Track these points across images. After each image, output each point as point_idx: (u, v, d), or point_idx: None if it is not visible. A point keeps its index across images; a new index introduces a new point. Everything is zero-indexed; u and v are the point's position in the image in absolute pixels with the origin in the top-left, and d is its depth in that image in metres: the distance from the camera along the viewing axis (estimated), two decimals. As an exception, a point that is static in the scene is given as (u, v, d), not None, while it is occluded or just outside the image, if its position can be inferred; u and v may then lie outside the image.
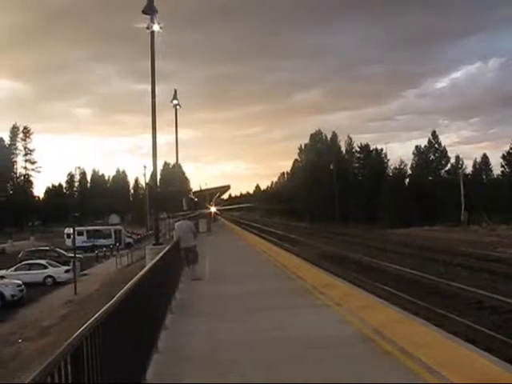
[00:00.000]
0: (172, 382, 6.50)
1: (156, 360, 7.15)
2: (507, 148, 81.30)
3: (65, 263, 41.77)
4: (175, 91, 37.77)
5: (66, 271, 38.41)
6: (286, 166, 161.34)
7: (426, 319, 10.70)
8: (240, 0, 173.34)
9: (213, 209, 58.85)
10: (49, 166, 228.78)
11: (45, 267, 38.86)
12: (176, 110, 38.22)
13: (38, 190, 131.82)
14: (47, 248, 53.29)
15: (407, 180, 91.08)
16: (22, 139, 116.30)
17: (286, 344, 7.98)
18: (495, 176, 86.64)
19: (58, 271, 38.87)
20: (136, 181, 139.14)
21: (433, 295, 18.72)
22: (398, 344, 7.47)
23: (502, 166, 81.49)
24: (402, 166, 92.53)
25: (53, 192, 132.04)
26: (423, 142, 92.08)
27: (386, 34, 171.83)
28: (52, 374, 3.06)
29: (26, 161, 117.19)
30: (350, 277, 21.69)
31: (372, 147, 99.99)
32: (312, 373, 6.60)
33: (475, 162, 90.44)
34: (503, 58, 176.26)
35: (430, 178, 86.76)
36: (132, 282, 6.40)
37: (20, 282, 32.42)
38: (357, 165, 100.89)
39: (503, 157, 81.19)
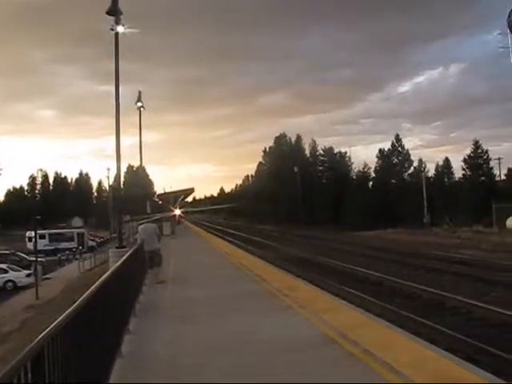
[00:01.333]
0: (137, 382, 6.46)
1: (119, 364, 7.06)
2: (468, 151, 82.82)
3: (26, 267, 41.06)
4: (139, 93, 37.56)
5: (28, 275, 37.80)
6: (252, 168, 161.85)
7: (390, 321, 10.81)
8: (208, 2, 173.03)
9: (177, 211, 58.51)
10: (9, 169, 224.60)
11: (5, 271, 38.20)
12: (140, 112, 37.95)
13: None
14: (8, 252, 52.35)
15: (371, 183, 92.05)
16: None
17: (250, 346, 7.98)
18: (456, 179, 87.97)
19: (19, 275, 38.24)
20: (99, 183, 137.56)
21: (396, 297, 18.90)
22: (362, 346, 7.52)
23: (463, 170, 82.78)
24: (365, 169, 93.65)
25: (14, 195, 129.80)
26: (387, 146, 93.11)
27: (353, 39, 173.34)
28: (11, 382, 2.98)
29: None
30: (315, 279, 21.77)
31: (336, 150, 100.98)
32: (276, 375, 6.60)
33: (437, 166, 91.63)
34: (464, 64, 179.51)
35: (394, 180, 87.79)
36: (95, 285, 6.31)
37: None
38: (321, 168, 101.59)
39: (464, 160, 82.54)
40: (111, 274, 8.00)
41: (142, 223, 20.86)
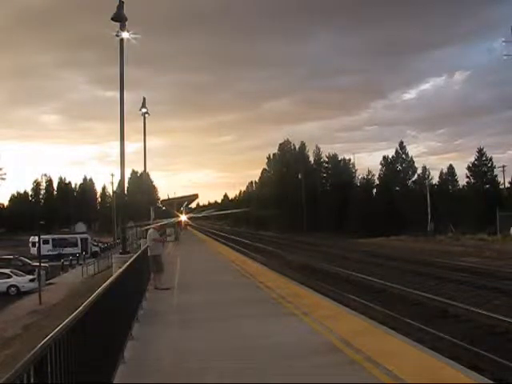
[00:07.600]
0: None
1: (122, 370, 7.06)
2: (472, 159, 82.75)
3: (29, 272, 41.01)
4: (144, 99, 37.47)
5: (31, 280, 37.75)
6: (256, 174, 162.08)
7: (393, 328, 10.78)
8: (212, 9, 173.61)
9: (182, 217, 58.50)
10: (14, 173, 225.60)
11: (8, 276, 38.13)
12: (144, 118, 37.94)
13: (3, 198, 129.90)
14: (11, 257, 52.31)
15: (375, 190, 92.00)
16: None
17: (252, 353, 7.96)
18: (461, 187, 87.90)
19: (23, 280, 38.18)
20: (103, 189, 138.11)
21: (399, 304, 18.86)
22: (365, 353, 7.50)
23: (468, 177, 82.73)
24: (369, 176, 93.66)
25: (18, 199, 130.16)
26: (391, 153, 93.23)
27: (358, 45, 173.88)
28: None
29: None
30: (318, 287, 21.74)
31: (340, 157, 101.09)
32: (276, 382, 6.58)
33: (441, 173, 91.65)
34: (469, 72, 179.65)
35: (398, 188, 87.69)
36: (98, 291, 6.31)
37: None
38: (325, 175, 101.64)
39: (468, 168, 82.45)
40: (114, 280, 7.99)
41: (149, 228, 20.81)
